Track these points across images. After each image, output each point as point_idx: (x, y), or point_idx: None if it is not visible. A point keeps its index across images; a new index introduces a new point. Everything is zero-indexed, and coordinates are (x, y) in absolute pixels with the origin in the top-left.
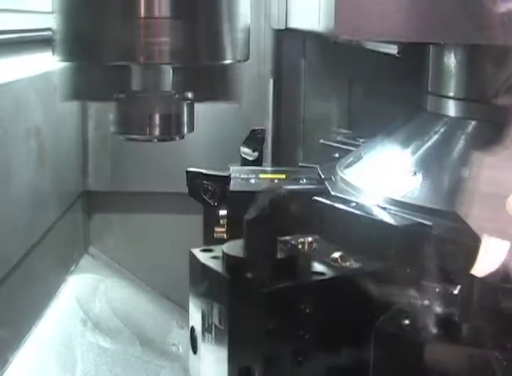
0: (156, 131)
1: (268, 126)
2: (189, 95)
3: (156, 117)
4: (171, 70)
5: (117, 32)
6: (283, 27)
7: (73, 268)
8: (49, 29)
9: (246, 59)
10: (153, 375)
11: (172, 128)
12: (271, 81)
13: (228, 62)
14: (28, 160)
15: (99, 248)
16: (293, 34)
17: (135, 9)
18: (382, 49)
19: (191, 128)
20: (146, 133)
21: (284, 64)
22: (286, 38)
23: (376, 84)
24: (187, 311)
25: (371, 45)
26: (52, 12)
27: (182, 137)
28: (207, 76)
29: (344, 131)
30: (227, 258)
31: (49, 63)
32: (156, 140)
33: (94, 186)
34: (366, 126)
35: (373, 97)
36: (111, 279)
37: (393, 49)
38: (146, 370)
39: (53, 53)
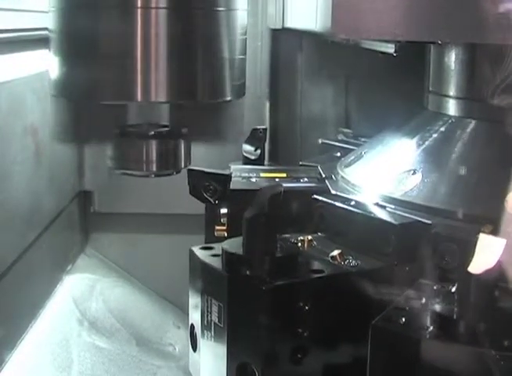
0: (153, 167)
1: (266, 125)
2: (186, 130)
3: (153, 153)
4: (168, 106)
5: (113, 72)
6: (280, 27)
7: (69, 267)
8: (46, 28)
9: (243, 95)
10: (149, 375)
11: (169, 164)
12: (268, 80)
13: (225, 99)
14: (24, 159)
15: (96, 248)
16: (290, 33)
17: (133, 49)
18: (379, 48)
19: (188, 162)
20: (142, 169)
21: (281, 63)
22: (283, 38)
23: (374, 83)
24: (184, 311)
25: (368, 44)
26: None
27: (179, 171)
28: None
29: (346, 130)
30: (226, 256)
31: (46, 62)
32: (153, 176)
33: (91, 185)
34: (364, 124)
35: (370, 96)
36: (108, 278)
37: (390, 48)
38: (143, 369)
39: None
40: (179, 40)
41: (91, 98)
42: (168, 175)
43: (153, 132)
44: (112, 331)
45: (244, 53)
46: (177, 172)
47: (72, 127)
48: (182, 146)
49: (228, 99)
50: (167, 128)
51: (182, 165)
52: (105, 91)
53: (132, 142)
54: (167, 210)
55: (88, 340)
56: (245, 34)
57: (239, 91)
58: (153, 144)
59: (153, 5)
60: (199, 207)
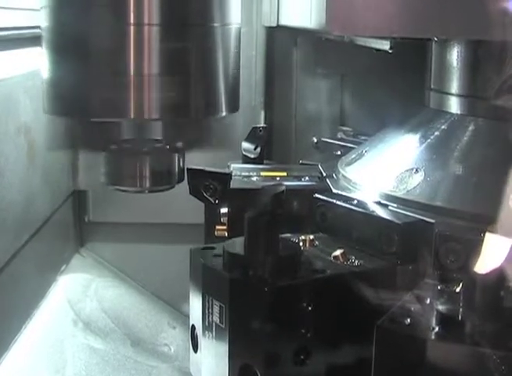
0: (147, 183)
1: (260, 123)
2: (180, 145)
3: (147, 169)
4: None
5: (106, 89)
6: (275, 25)
7: (63, 267)
8: (38, 27)
9: (237, 110)
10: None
11: (163, 180)
12: (263, 78)
13: (219, 116)
14: (18, 158)
15: (91, 248)
16: (285, 31)
17: (125, 66)
18: (374, 45)
19: (181, 178)
20: (136, 185)
21: (276, 61)
22: (277, 35)
23: (369, 81)
24: (179, 311)
25: (363, 41)
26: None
27: (173, 187)
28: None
29: (345, 128)
30: (228, 256)
31: (38, 61)
32: (146, 191)
33: (85, 185)
34: (359, 122)
35: (365, 94)
36: (102, 278)
37: (385, 45)
38: (137, 370)
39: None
40: (172, 57)
41: (83, 115)
42: (162, 190)
43: (146, 148)
44: (107, 332)
45: (238, 67)
46: (171, 188)
47: (65, 133)
48: (176, 161)
49: (223, 115)
50: (160, 144)
51: (176, 180)
52: (97, 108)
53: (125, 158)
54: (162, 219)
55: (82, 340)
56: (239, 47)
57: (234, 106)
58: (147, 160)
59: (146, 21)
60: (195, 217)
